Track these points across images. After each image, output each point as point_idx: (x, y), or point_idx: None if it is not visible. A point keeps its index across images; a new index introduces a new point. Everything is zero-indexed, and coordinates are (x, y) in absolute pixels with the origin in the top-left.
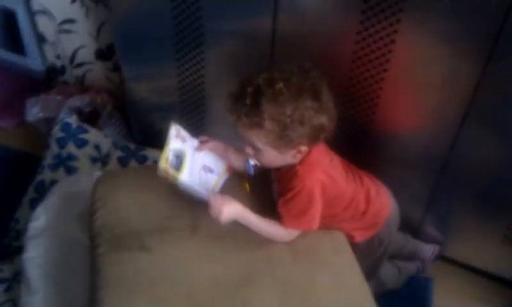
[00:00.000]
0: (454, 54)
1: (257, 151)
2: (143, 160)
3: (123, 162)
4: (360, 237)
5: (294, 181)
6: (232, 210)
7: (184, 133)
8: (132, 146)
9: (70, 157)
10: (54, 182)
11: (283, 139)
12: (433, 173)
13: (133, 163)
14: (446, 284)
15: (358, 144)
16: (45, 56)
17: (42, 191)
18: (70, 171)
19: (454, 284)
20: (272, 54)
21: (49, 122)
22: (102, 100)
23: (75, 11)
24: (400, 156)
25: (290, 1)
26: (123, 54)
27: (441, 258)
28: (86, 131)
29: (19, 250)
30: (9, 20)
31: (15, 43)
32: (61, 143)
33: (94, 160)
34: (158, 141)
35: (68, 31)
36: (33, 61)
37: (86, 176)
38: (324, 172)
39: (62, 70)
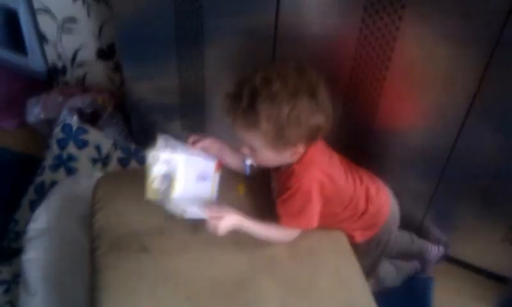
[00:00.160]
0: (456, 52)
1: (254, 151)
2: (143, 161)
3: (123, 163)
4: (359, 237)
5: (291, 181)
6: (229, 222)
7: (165, 155)
8: (132, 146)
9: (71, 158)
10: (54, 183)
11: (279, 140)
12: (434, 172)
13: (133, 164)
14: (446, 283)
15: (359, 143)
16: (46, 56)
17: (42, 192)
18: (70, 172)
19: (453, 283)
20: (273, 52)
21: (50, 123)
22: (102, 100)
23: (77, 10)
24: (401, 155)
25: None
26: (124, 53)
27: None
28: (86, 132)
29: (18, 251)
30: (10, 19)
31: (16, 43)
32: (62, 144)
33: (94, 161)
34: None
35: (69, 30)
36: (34, 61)
37: (86, 178)
38: (322, 170)
39: (63, 70)
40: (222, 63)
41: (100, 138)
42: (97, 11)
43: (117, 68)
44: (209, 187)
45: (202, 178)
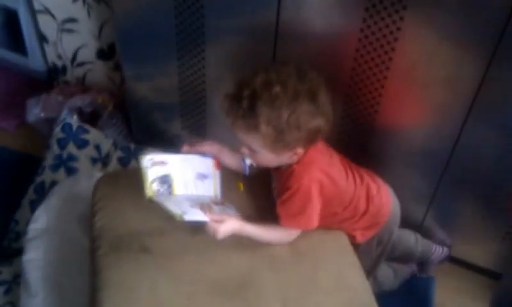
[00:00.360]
0: (457, 52)
1: (253, 152)
2: None
3: (123, 162)
4: (360, 237)
5: (290, 181)
6: (228, 227)
7: (160, 157)
8: (132, 146)
9: (71, 158)
10: (54, 183)
11: (279, 143)
12: (436, 171)
13: (133, 163)
14: (447, 282)
15: (360, 142)
16: (46, 56)
17: (42, 192)
18: (71, 171)
19: (454, 282)
20: (274, 52)
21: (50, 122)
22: (102, 100)
23: (77, 10)
24: (402, 154)
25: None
26: (124, 52)
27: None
28: (86, 131)
29: (19, 252)
30: (10, 20)
31: (16, 43)
32: (62, 144)
33: (94, 160)
34: (159, 141)
35: (69, 31)
36: (34, 61)
37: (87, 178)
38: (322, 170)
39: (63, 69)
40: (223, 63)
41: (100, 138)
42: (97, 11)
43: (117, 67)
44: (211, 184)
45: (202, 176)
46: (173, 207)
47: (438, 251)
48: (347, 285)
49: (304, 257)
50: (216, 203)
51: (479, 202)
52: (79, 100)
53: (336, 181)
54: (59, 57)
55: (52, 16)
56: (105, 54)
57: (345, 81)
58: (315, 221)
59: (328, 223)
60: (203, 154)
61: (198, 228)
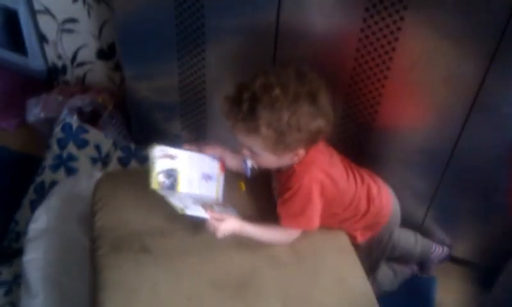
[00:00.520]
0: (457, 52)
1: (254, 154)
2: (143, 160)
3: (123, 162)
4: (361, 237)
5: (291, 181)
6: (229, 226)
7: (170, 150)
8: (132, 146)
9: (71, 158)
10: (54, 183)
11: (280, 145)
12: (436, 171)
13: (134, 163)
14: (448, 282)
15: (361, 142)
16: (46, 56)
17: (42, 192)
18: (71, 171)
19: (455, 282)
20: (274, 52)
21: (50, 122)
22: (102, 100)
23: (77, 11)
24: (402, 154)
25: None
26: (124, 52)
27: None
28: (86, 131)
29: (19, 252)
30: (10, 20)
31: (16, 43)
32: (62, 144)
33: (94, 160)
34: (159, 141)
35: (69, 31)
36: (34, 61)
37: (87, 178)
38: (323, 171)
39: (63, 69)
40: (223, 63)
41: (100, 138)
42: (97, 11)
43: (117, 67)
44: (214, 187)
45: (207, 177)
46: (175, 200)
47: (438, 251)
48: (348, 285)
49: (305, 257)
50: (218, 204)
51: (479, 202)
52: (79, 100)
53: (337, 182)
54: (59, 57)
55: (52, 16)
56: (105, 54)
57: (345, 81)
58: (315, 222)
59: (329, 223)
60: (211, 155)
61: (198, 228)
